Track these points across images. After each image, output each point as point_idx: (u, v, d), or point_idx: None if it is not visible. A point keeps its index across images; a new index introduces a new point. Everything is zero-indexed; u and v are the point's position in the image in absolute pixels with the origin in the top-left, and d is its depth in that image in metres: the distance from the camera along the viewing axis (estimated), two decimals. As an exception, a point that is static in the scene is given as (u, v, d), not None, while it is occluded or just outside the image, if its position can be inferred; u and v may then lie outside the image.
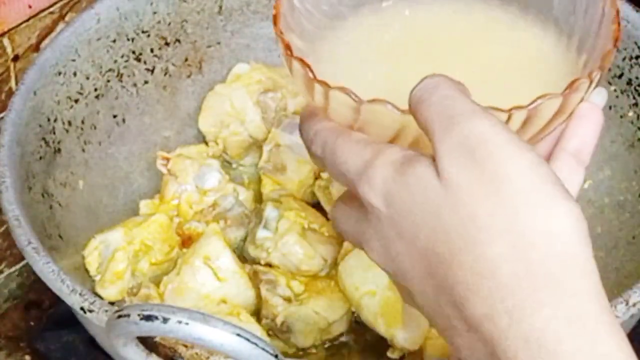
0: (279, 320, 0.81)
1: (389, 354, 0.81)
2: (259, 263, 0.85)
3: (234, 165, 0.95)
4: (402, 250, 0.49)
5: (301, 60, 0.52)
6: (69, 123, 0.85)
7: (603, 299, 0.45)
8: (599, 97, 0.55)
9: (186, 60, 0.94)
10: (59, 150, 0.83)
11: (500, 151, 0.46)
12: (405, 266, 0.49)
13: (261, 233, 0.85)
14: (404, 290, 0.51)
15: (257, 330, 0.79)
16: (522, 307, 0.44)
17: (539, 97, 0.49)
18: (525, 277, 0.45)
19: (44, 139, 0.82)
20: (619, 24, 0.53)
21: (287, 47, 0.53)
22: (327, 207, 0.89)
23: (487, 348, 0.46)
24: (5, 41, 0.86)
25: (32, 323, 0.93)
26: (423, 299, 0.49)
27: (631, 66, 0.83)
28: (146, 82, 0.92)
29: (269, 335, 0.81)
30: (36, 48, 0.89)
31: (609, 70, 0.84)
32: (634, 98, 0.84)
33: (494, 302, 0.45)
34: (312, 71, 0.52)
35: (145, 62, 0.91)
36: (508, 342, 0.44)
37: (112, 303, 0.79)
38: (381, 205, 0.49)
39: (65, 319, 0.84)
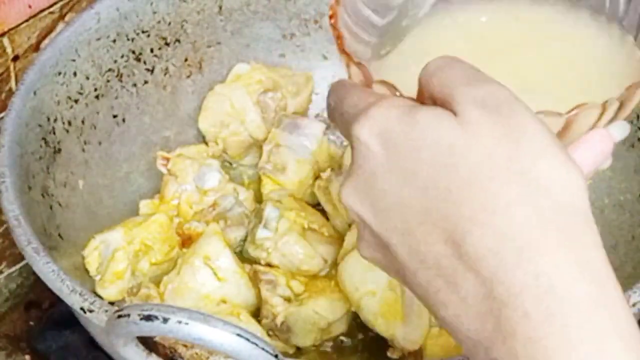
0: (279, 320, 0.81)
1: (389, 354, 0.81)
2: (259, 263, 0.85)
3: (234, 165, 0.95)
4: (390, 187, 0.48)
5: (336, 29, 0.54)
6: (69, 123, 0.85)
7: (605, 253, 0.46)
8: (619, 130, 0.54)
9: (186, 60, 0.94)
10: (59, 150, 0.83)
11: (524, 110, 0.47)
12: (388, 203, 0.48)
13: (261, 233, 0.85)
14: (372, 234, 0.50)
15: (257, 330, 0.79)
16: (533, 248, 0.44)
17: (540, 111, 0.49)
18: (538, 221, 0.45)
19: (44, 139, 0.82)
20: None
21: (332, 17, 0.55)
22: (327, 207, 0.89)
23: (484, 287, 0.45)
24: (5, 41, 0.86)
25: (32, 323, 0.93)
26: (405, 239, 0.48)
27: (631, 66, 0.83)
28: (146, 82, 0.92)
29: (269, 335, 0.81)
30: (36, 48, 0.89)
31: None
32: (634, 98, 0.84)
33: (503, 239, 0.45)
34: (342, 42, 0.54)
35: (145, 62, 0.91)
36: (514, 279, 0.44)
37: (112, 303, 0.79)
38: (374, 142, 0.48)
39: (65, 319, 0.84)
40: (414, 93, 0.51)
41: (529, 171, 0.46)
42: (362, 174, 0.49)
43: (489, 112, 0.46)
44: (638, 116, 0.84)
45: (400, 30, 0.60)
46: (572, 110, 0.50)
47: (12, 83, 0.89)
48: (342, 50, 0.54)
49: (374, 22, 0.59)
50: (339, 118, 0.52)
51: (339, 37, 0.54)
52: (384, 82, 0.51)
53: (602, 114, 0.51)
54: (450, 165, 0.46)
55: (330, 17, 0.56)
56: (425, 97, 0.50)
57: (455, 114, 0.47)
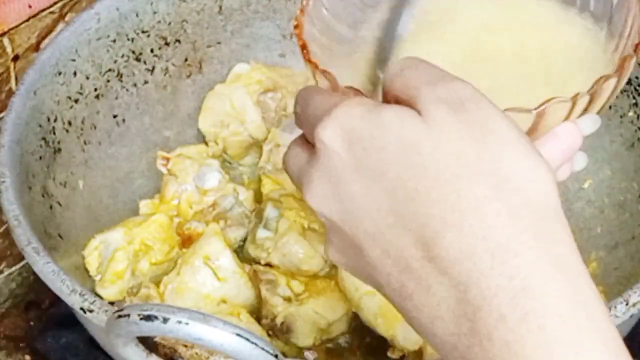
0: (279, 320, 0.81)
1: (389, 354, 0.80)
2: (259, 263, 0.85)
3: (234, 165, 0.95)
4: (357, 189, 0.47)
5: (300, 39, 0.54)
6: (69, 123, 0.85)
7: (578, 250, 0.45)
8: (589, 123, 0.53)
9: (186, 60, 0.94)
10: (59, 150, 0.83)
11: (490, 107, 0.46)
12: (357, 205, 0.47)
13: (261, 233, 0.85)
14: (341, 238, 0.49)
15: (257, 330, 0.79)
16: (506, 248, 0.43)
17: (509, 108, 0.49)
18: (509, 219, 0.44)
19: (44, 139, 0.82)
20: None
21: (296, 27, 0.56)
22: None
23: (458, 291, 0.44)
24: (5, 41, 0.87)
25: (32, 323, 0.93)
26: (376, 242, 0.47)
27: (631, 66, 0.83)
28: (146, 82, 0.92)
29: (269, 335, 0.81)
30: (36, 48, 0.89)
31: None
32: (634, 98, 0.84)
33: (475, 240, 0.44)
34: (307, 51, 0.54)
35: (145, 62, 0.91)
36: (488, 281, 0.43)
37: (112, 303, 0.80)
38: (338, 142, 0.47)
39: (65, 319, 0.84)
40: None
41: (497, 169, 0.45)
42: (329, 176, 0.48)
43: (454, 110, 0.45)
44: (638, 116, 0.84)
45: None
46: (541, 105, 0.49)
47: (12, 83, 0.89)
48: (308, 60, 0.54)
49: (342, 34, 0.59)
50: (305, 123, 0.51)
51: (304, 47, 0.54)
52: (351, 89, 0.51)
53: (572, 108, 0.50)
54: (417, 164, 0.45)
55: (295, 27, 0.56)
56: (390, 99, 0.49)
57: (419, 113, 0.46)
